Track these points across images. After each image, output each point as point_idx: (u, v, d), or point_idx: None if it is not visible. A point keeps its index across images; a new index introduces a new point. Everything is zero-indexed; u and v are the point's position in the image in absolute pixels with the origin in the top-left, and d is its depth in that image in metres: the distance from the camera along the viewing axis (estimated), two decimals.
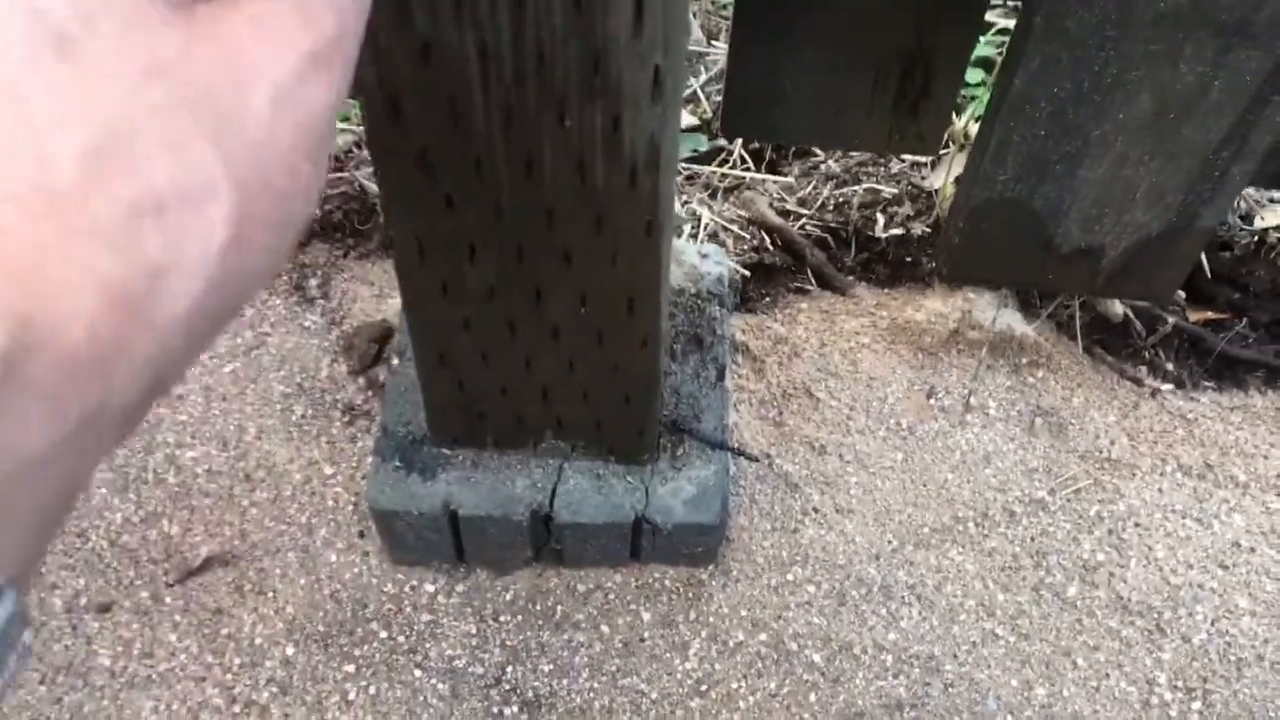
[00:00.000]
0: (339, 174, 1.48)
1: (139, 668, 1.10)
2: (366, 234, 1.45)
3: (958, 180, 1.45)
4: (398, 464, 1.08)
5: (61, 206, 0.28)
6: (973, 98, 1.52)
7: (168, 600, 1.14)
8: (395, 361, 1.16)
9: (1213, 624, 1.17)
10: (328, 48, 0.35)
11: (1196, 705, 1.12)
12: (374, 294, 1.39)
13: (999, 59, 1.56)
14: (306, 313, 1.38)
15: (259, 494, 1.21)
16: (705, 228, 1.46)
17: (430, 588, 1.16)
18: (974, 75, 1.54)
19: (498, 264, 0.81)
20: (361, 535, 1.19)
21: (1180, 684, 1.13)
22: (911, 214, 1.49)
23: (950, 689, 1.12)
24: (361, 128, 1.49)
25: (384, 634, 1.13)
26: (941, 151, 1.49)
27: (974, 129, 1.49)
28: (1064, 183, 0.85)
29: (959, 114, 1.51)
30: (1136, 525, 1.24)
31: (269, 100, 0.33)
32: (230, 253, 0.32)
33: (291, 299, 1.39)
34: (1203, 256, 1.42)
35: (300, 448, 1.25)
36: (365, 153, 1.51)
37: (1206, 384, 1.40)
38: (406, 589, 1.16)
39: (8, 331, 0.26)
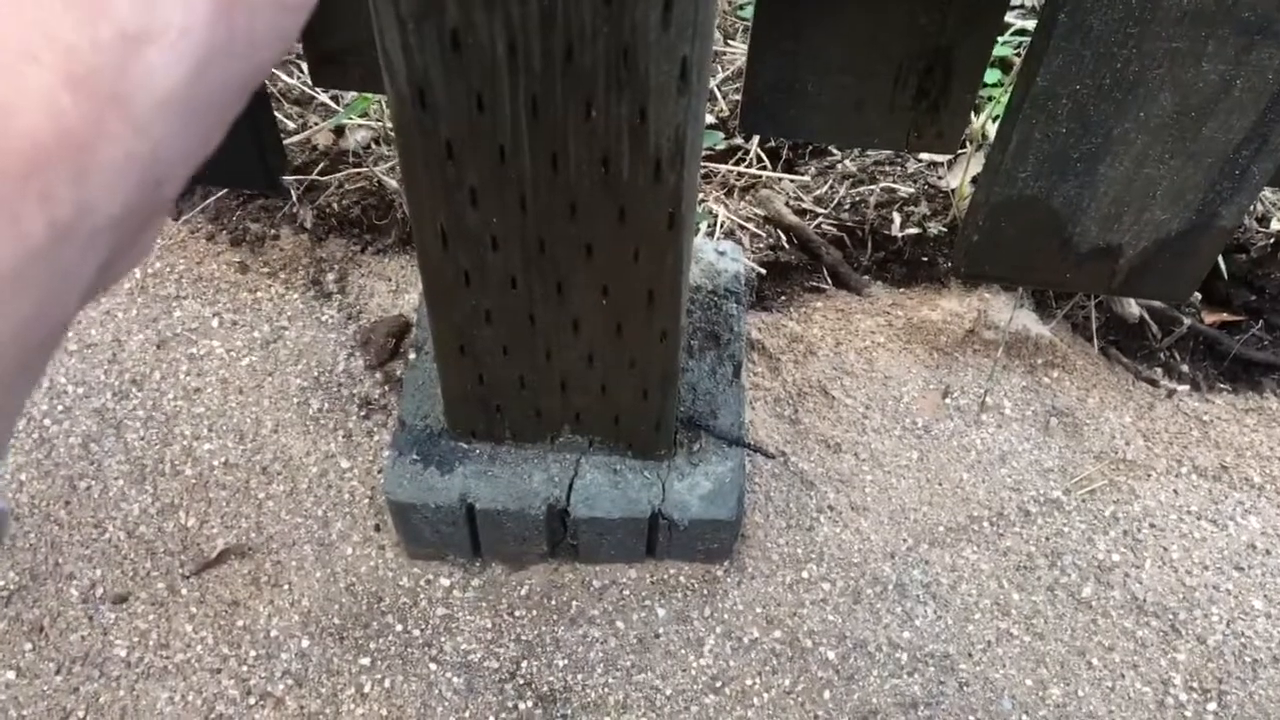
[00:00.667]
0: (357, 169, 1.49)
1: (155, 658, 1.11)
2: (384, 229, 1.45)
3: (975, 179, 1.45)
4: (415, 457, 1.08)
5: None
6: (990, 98, 1.52)
7: (184, 592, 1.15)
8: (412, 356, 1.16)
9: (1228, 625, 1.17)
10: None
11: (1212, 706, 1.12)
12: (391, 289, 1.40)
13: (1017, 59, 1.56)
14: (323, 307, 1.38)
15: (275, 487, 1.22)
16: (721, 226, 1.46)
17: (446, 582, 1.16)
18: (991, 75, 1.54)
19: (520, 255, 0.82)
20: (377, 529, 1.19)
21: (1195, 685, 1.13)
22: (928, 213, 1.49)
23: (965, 688, 1.12)
24: (380, 123, 1.49)
25: (399, 627, 1.13)
26: (958, 151, 1.49)
27: (991, 128, 1.49)
28: (1084, 180, 0.85)
29: (976, 113, 1.51)
30: (1152, 526, 1.24)
31: None
32: (222, 20, 0.26)
33: (309, 293, 1.39)
34: (1219, 258, 1.42)
35: (317, 441, 1.25)
36: (384, 148, 1.51)
37: (1222, 386, 1.40)
38: (422, 583, 1.16)
39: None
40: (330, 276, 1.41)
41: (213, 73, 0.26)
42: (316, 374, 1.31)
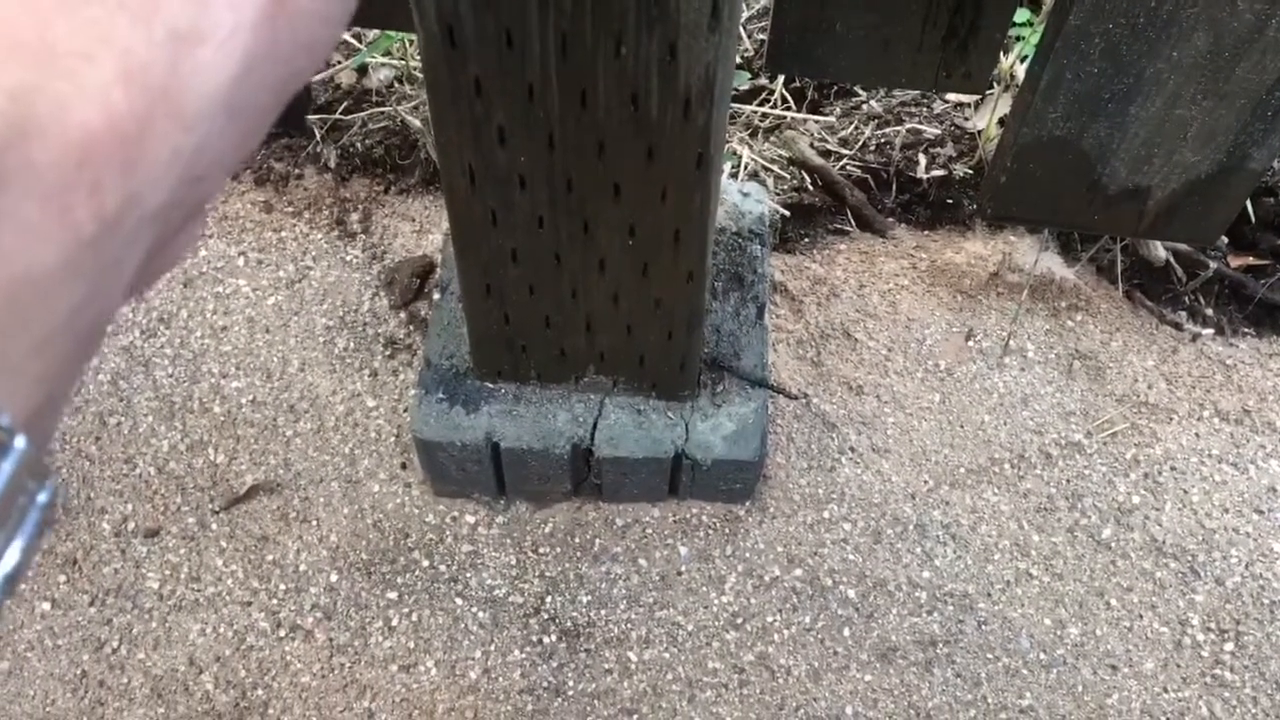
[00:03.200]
0: (380, 109, 1.49)
1: (186, 591, 1.13)
2: (407, 169, 1.45)
3: (1001, 121, 1.44)
4: (441, 396, 1.09)
5: None
6: (1019, 38, 1.50)
7: (214, 526, 1.17)
8: (437, 296, 1.17)
9: (1247, 567, 1.18)
10: None
11: (1229, 646, 1.13)
12: (414, 229, 1.40)
13: None
14: (348, 247, 1.39)
15: (302, 425, 1.23)
16: (746, 167, 1.46)
17: (471, 519, 1.18)
18: (1020, 15, 1.52)
19: (547, 195, 0.82)
20: (404, 467, 1.20)
21: (1213, 625, 1.14)
22: (954, 155, 1.48)
23: (984, 626, 1.13)
24: (403, 62, 1.48)
25: (425, 563, 1.15)
26: (986, 92, 1.48)
27: (1020, 69, 1.48)
28: (1114, 121, 0.85)
29: (1005, 54, 1.49)
30: (1173, 469, 1.25)
31: None
32: (267, 26, 0.27)
33: (333, 233, 1.40)
34: (1247, 202, 1.41)
35: (343, 380, 1.27)
36: (407, 87, 1.51)
37: (1246, 330, 1.39)
38: (448, 520, 1.17)
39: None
40: (354, 216, 1.42)
41: (255, 75, 0.27)
42: (342, 313, 1.32)
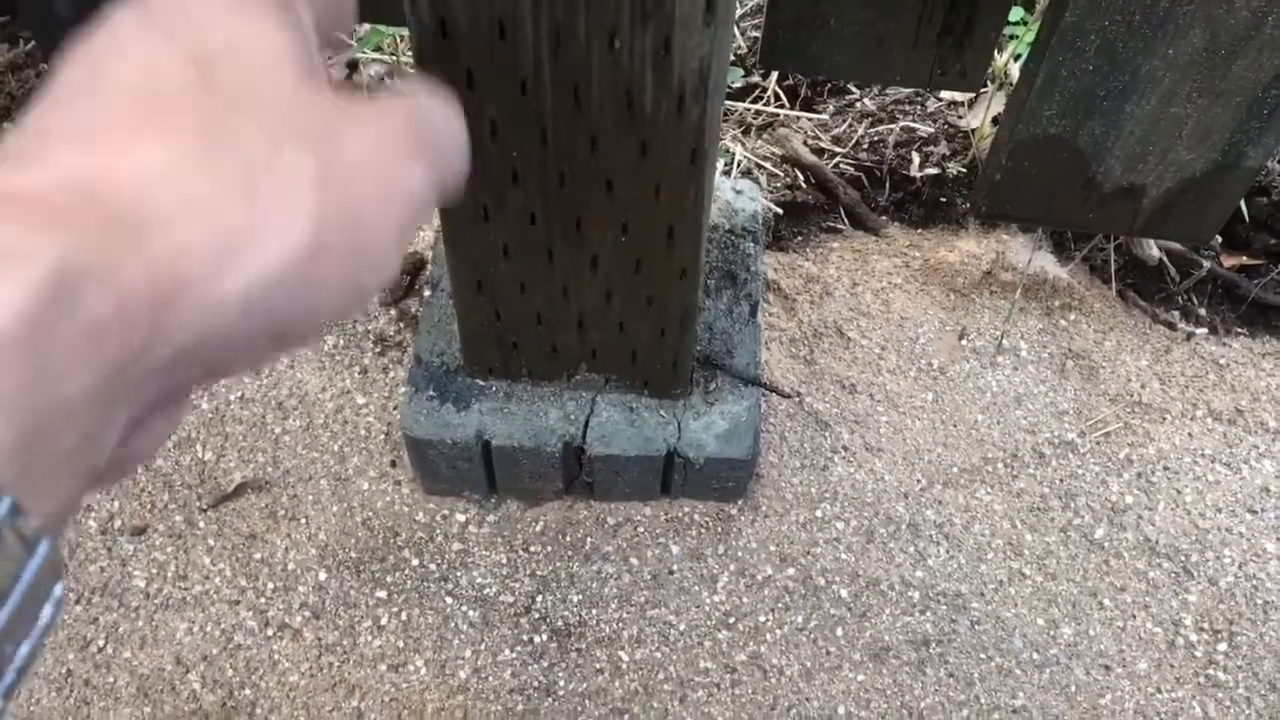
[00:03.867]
0: None
1: (173, 590, 1.12)
2: None
3: (995, 119, 1.44)
4: (431, 393, 1.08)
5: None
6: (1012, 36, 1.50)
7: (201, 524, 1.16)
8: (427, 293, 1.16)
9: (1240, 567, 1.18)
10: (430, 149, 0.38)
11: (1222, 647, 1.13)
12: None
13: None
14: None
15: (291, 422, 1.22)
16: (739, 164, 1.45)
17: (461, 517, 1.17)
18: (1014, 13, 1.51)
19: (540, 190, 0.81)
20: (393, 464, 1.20)
21: (1206, 625, 1.14)
22: (947, 153, 1.47)
23: (977, 626, 1.12)
24: (394, 57, 1.48)
25: (415, 561, 1.14)
26: (980, 90, 1.47)
27: (1014, 67, 1.48)
28: (1109, 119, 0.84)
29: (999, 52, 1.49)
30: (1166, 469, 1.24)
31: (370, 148, 0.35)
32: (303, 263, 0.32)
33: None
34: (1240, 201, 1.40)
35: (332, 377, 1.26)
36: (398, 82, 1.50)
37: (1239, 329, 1.39)
38: (438, 518, 1.17)
39: (77, 248, 0.27)
40: None
41: (278, 298, 0.32)
42: None
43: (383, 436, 1.22)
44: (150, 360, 0.29)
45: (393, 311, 1.31)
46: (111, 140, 0.30)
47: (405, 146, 0.36)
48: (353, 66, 1.52)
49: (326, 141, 0.34)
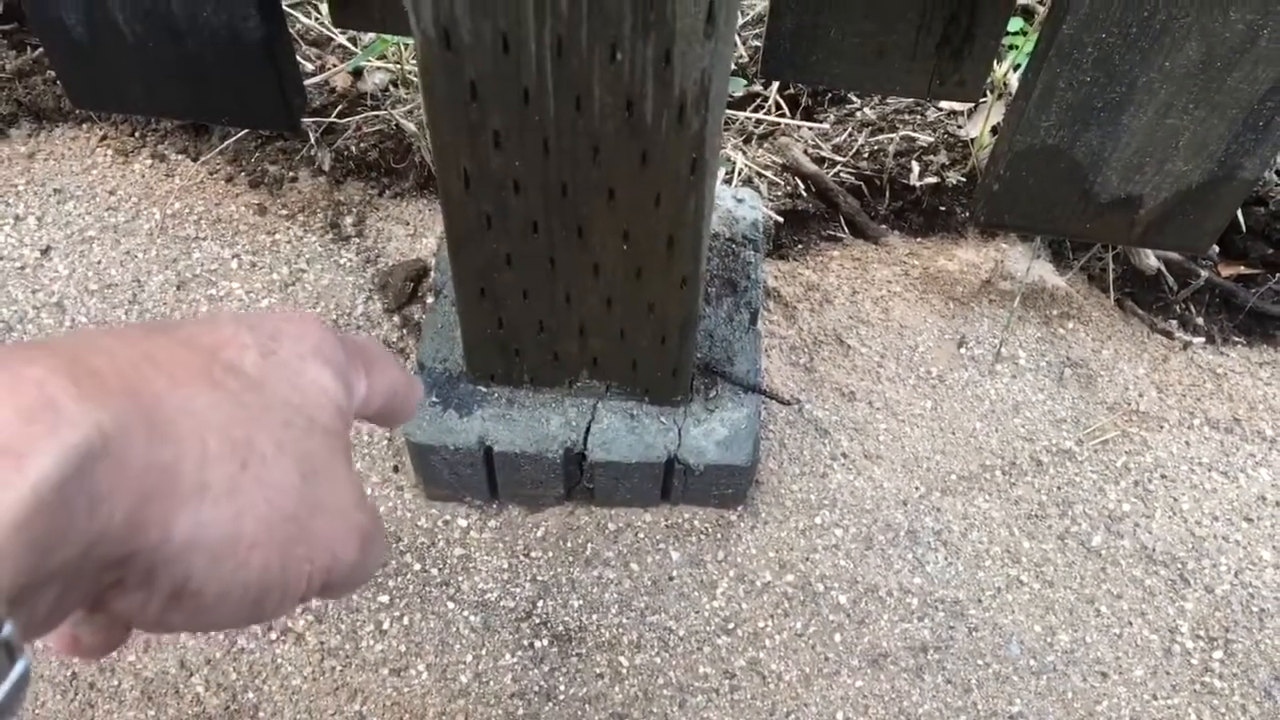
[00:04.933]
0: (375, 112, 1.49)
1: None
2: (402, 173, 1.45)
3: (994, 129, 1.45)
4: (434, 400, 1.09)
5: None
6: (1012, 46, 1.51)
7: None
8: (431, 300, 1.17)
9: (1236, 575, 1.18)
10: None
11: (1218, 654, 1.13)
12: (409, 233, 1.40)
13: (1040, 6, 1.55)
14: (342, 250, 1.39)
15: None
16: (739, 173, 1.46)
17: (463, 523, 1.18)
18: (1013, 24, 1.52)
19: (542, 199, 0.82)
20: (396, 470, 1.20)
21: (1202, 633, 1.15)
22: (947, 163, 1.48)
23: (974, 633, 1.13)
24: (399, 65, 1.49)
25: (418, 566, 1.15)
26: (979, 100, 1.48)
27: (1013, 77, 1.49)
28: (1106, 130, 0.85)
29: (998, 62, 1.50)
30: (1163, 477, 1.25)
31: (338, 511, 0.42)
32: (236, 544, 0.37)
33: (327, 236, 1.40)
34: (1238, 211, 1.41)
35: None
36: (401, 91, 1.51)
37: (1236, 339, 1.40)
38: (440, 523, 1.17)
39: (102, 431, 0.32)
40: (348, 219, 1.42)
41: (226, 573, 0.37)
42: (335, 316, 1.32)
43: (385, 442, 1.22)
44: (102, 551, 0.33)
45: (396, 318, 1.32)
46: (171, 372, 0.37)
47: (358, 537, 0.43)
48: (357, 74, 1.53)
49: (316, 475, 0.40)
